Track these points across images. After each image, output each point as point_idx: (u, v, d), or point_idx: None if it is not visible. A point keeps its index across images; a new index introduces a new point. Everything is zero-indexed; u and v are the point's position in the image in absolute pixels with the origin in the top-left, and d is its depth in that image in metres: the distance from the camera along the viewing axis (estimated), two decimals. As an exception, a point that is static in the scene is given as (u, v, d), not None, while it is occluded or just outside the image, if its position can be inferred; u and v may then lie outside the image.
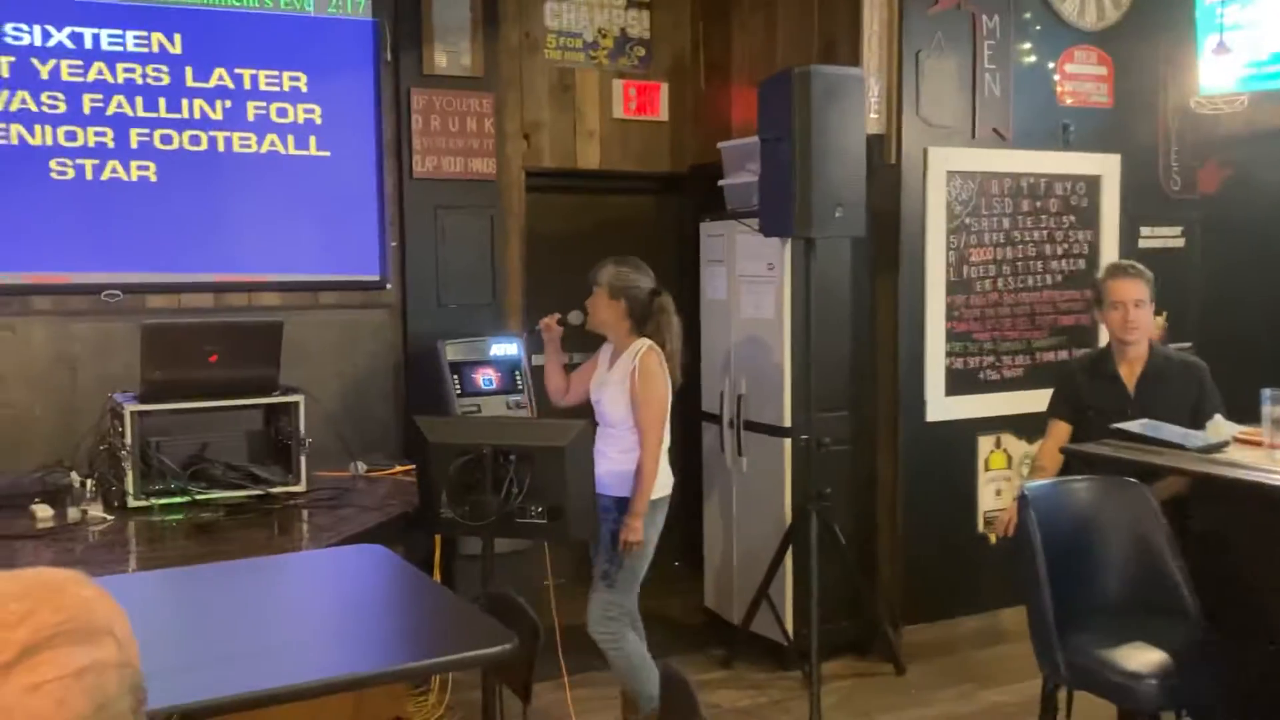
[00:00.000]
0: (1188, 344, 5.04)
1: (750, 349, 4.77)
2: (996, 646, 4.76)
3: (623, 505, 3.71)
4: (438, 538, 4.12)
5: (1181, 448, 3.30)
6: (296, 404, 3.84)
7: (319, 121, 4.90)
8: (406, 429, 4.72)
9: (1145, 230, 5.28)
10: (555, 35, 5.48)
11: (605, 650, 3.76)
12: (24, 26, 4.43)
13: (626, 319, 3.80)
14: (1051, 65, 5.02)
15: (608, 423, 3.80)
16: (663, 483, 3.79)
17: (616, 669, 3.79)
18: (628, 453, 3.74)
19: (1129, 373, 3.84)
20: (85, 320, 4.54)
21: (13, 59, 4.41)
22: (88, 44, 4.52)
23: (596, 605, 3.76)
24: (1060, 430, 3.93)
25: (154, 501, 3.58)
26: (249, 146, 4.79)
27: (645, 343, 3.77)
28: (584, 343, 4.24)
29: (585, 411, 3.87)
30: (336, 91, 4.94)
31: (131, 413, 3.60)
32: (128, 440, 3.58)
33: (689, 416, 5.05)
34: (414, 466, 3.80)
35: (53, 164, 4.49)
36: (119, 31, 4.56)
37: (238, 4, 4.76)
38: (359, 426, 4.80)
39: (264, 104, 4.81)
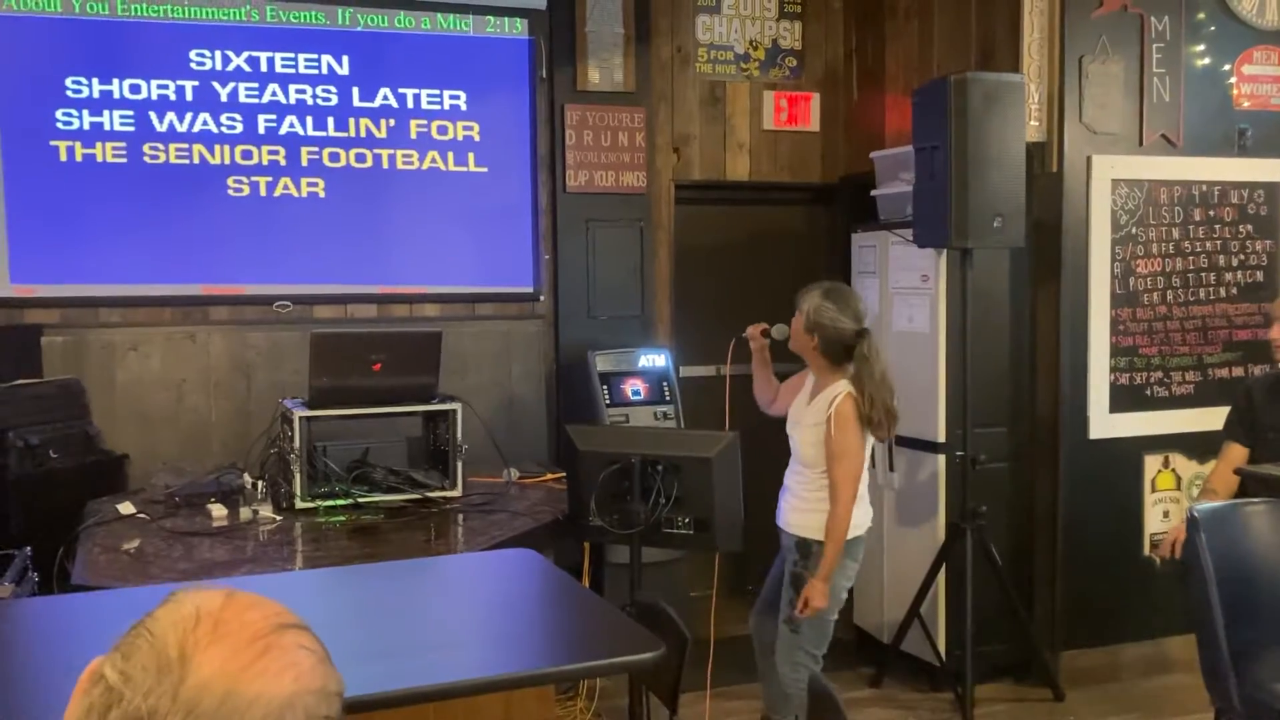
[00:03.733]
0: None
1: (903, 362, 4.67)
2: (1163, 676, 4.55)
3: (802, 547, 3.54)
4: (586, 545, 4.17)
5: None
6: (454, 411, 3.94)
7: (477, 138, 5.05)
8: (557, 437, 4.81)
9: (1332, 240, 4.97)
10: (706, 49, 5.50)
11: (785, 684, 3.59)
12: (206, 52, 4.70)
13: (821, 356, 3.55)
14: (1227, 67, 4.78)
15: (798, 460, 3.62)
16: (859, 521, 3.55)
17: (791, 699, 3.60)
18: (814, 496, 3.54)
19: (1314, 392, 3.63)
20: (259, 329, 4.78)
21: (196, 83, 4.69)
22: (263, 67, 4.77)
23: (785, 646, 3.57)
24: (1235, 453, 3.72)
25: (319, 503, 3.71)
26: (411, 163, 4.97)
27: (844, 387, 3.49)
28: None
29: (736, 423, 3.76)
30: (494, 109, 5.08)
31: (300, 418, 3.76)
32: (296, 444, 3.73)
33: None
34: (564, 474, 3.86)
35: (229, 181, 4.74)
36: (291, 55, 4.80)
37: (401, 26, 4.95)
38: (512, 433, 4.90)
39: (425, 122, 4.98)
